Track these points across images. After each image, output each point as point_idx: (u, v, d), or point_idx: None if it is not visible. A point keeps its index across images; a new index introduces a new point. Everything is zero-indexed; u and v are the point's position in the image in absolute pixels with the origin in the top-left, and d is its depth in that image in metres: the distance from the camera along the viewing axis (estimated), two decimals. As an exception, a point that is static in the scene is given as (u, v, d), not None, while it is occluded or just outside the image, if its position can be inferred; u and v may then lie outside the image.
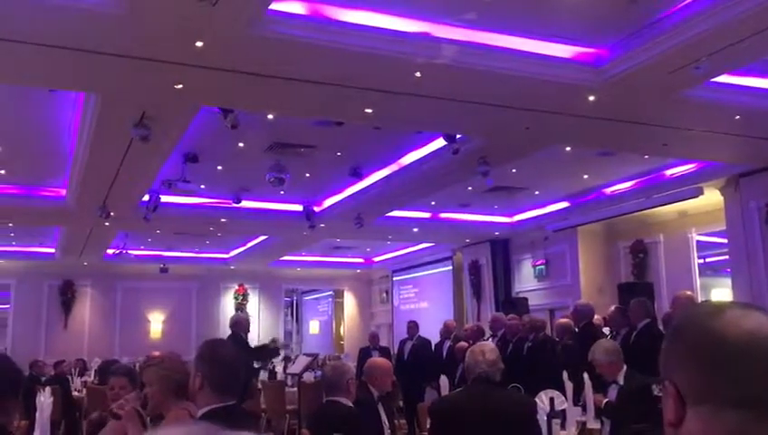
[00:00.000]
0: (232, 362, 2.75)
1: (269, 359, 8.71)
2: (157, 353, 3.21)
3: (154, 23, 5.10)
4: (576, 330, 7.62)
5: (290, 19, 5.40)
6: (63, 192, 10.64)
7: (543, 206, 12.66)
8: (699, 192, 10.28)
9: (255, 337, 15.14)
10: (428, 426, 3.71)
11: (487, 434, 3.30)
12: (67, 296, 17.24)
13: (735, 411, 0.91)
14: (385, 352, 10.46)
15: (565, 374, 5.58)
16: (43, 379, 9.87)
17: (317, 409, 4.34)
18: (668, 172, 10.34)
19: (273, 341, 8.85)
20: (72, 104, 7.57)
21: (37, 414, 2.93)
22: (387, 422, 4.61)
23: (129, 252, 15.02)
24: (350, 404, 3.94)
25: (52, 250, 15.46)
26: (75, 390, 10.36)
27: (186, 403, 2.91)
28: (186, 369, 3.02)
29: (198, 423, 0.93)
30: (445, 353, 9.65)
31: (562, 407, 4.88)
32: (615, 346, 5.06)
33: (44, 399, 2.93)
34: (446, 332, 10.02)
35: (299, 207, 11.89)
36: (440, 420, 3.49)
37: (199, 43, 5.40)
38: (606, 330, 7.92)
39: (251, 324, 8.63)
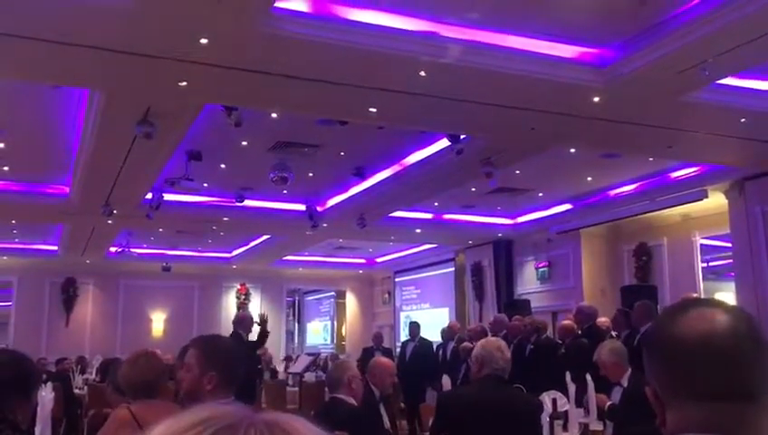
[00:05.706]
0: (236, 357, 2.72)
1: (265, 339, 8.60)
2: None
3: (158, 19, 5.09)
4: (579, 332, 7.59)
5: (294, 17, 5.39)
6: (67, 189, 10.63)
7: (547, 208, 12.64)
8: (703, 195, 10.24)
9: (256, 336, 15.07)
10: (434, 417, 3.64)
11: (496, 429, 3.28)
12: (69, 294, 17.21)
13: (697, 405, 1.00)
14: (388, 353, 10.45)
15: (568, 376, 5.55)
16: (45, 376, 9.86)
17: (320, 406, 4.36)
18: (673, 175, 10.30)
19: (261, 318, 8.67)
20: (76, 101, 7.56)
21: (38, 409, 2.92)
22: (388, 423, 4.60)
23: (132, 250, 15.00)
24: (354, 403, 3.92)
25: (55, 248, 15.46)
26: (76, 387, 10.34)
27: (144, 401, 2.78)
28: (154, 368, 2.92)
29: (232, 404, 0.93)
30: (449, 354, 9.62)
31: (565, 408, 4.86)
32: (621, 347, 5.02)
33: (46, 394, 2.91)
34: (450, 333, 9.99)
35: (302, 207, 11.87)
36: (450, 411, 3.46)
37: (204, 41, 5.38)
38: (614, 333, 7.87)
39: (253, 324, 8.57)
